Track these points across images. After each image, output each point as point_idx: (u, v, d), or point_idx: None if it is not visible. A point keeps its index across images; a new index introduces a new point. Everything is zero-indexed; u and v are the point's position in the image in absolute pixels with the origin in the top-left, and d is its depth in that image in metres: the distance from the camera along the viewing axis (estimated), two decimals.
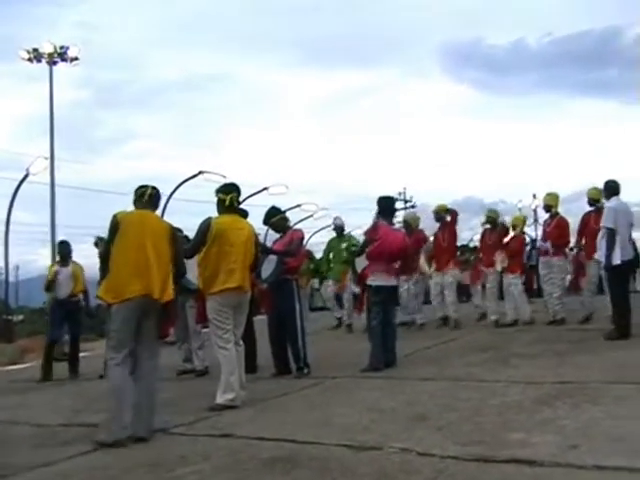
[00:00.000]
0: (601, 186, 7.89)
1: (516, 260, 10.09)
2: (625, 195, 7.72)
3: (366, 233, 6.92)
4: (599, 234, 7.38)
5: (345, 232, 11.92)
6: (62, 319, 8.41)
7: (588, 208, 8.99)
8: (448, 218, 10.28)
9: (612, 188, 7.49)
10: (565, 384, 4.89)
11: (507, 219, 11.14)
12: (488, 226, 10.45)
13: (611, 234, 7.09)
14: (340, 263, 11.15)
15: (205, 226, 5.26)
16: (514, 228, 10.47)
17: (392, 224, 7.09)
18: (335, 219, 12.03)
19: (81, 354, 10.60)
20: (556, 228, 9.54)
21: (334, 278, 11.66)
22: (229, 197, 5.44)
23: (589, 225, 8.84)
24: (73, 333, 8.54)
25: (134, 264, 4.37)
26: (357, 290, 9.79)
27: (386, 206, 7.00)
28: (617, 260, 7.09)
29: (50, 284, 8.34)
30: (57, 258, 8.64)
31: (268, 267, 6.53)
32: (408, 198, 46.29)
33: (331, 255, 11.69)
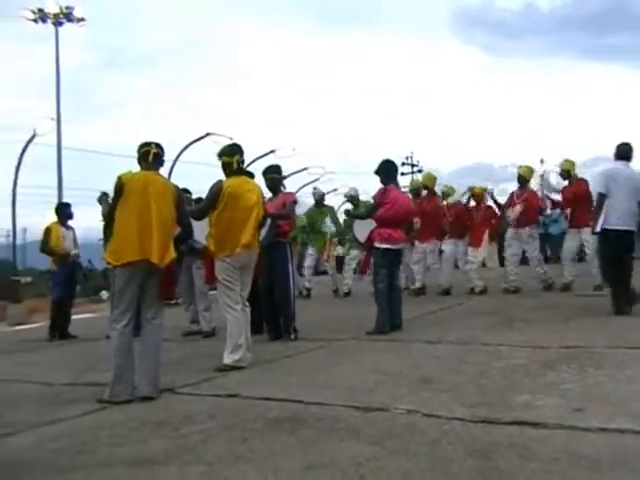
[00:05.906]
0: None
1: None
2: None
3: (375, 197, 6.85)
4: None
5: (325, 203, 11.96)
6: (66, 280, 8.55)
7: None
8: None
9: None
10: (570, 349, 4.91)
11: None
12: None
13: None
14: (320, 233, 11.36)
15: (217, 189, 5.22)
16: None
17: (398, 187, 7.03)
18: (314, 189, 12.08)
19: (89, 315, 10.76)
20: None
21: (317, 247, 11.67)
22: (234, 159, 5.39)
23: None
24: (71, 295, 8.72)
25: (136, 227, 4.35)
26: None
27: (391, 169, 6.93)
28: None
29: (58, 246, 8.46)
30: (57, 219, 8.66)
31: (262, 231, 6.45)
32: (415, 162, 45.94)
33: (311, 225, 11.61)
